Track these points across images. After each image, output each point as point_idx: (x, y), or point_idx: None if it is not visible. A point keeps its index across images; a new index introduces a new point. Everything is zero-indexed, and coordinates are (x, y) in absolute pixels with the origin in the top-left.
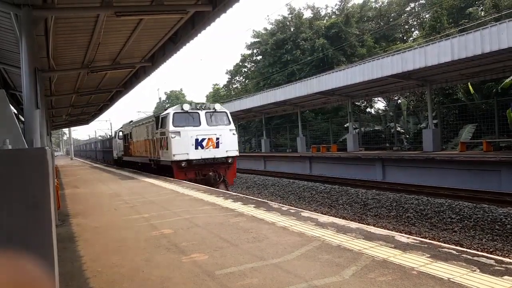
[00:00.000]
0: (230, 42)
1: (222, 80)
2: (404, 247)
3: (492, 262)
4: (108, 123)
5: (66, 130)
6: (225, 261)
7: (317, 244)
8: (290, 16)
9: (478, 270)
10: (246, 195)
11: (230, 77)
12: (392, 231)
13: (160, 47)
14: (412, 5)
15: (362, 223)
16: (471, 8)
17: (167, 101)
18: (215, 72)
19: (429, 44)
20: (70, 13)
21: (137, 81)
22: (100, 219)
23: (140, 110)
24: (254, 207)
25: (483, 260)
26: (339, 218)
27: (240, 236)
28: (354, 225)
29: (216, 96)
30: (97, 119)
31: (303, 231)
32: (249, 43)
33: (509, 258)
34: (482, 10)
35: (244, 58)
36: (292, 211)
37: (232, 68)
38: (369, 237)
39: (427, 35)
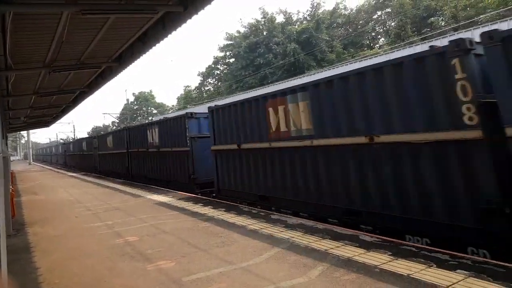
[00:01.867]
0: (202, 43)
1: (194, 82)
2: (368, 246)
3: (447, 257)
4: (71, 125)
5: (24, 133)
6: (193, 267)
7: (285, 246)
8: (263, 20)
9: (435, 266)
10: None
11: (202, 79)
12: (357, 230)
13: (128, 47)
14: (379, 13)
15: (329, 224)
16: (432, 18)
17: (135, 102)
18: (186, 74)
19: (394, 51)
20: (30, 9)
21: (103, 82)
22: (60, 227)
23: (106, 111)
24: (224, 210)
25: (439, 255)
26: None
27: (209, 241)
28: (321, 225)
29: (188, 98)
30: (59, 121)
31: (272, 234)
32: (222, 45)
33: (461, 253)
34: (442, 20)
35: (217, 60)
36: (262, 213)
37: (204, 70)
38: (336, 236)
39: (392, 42)
